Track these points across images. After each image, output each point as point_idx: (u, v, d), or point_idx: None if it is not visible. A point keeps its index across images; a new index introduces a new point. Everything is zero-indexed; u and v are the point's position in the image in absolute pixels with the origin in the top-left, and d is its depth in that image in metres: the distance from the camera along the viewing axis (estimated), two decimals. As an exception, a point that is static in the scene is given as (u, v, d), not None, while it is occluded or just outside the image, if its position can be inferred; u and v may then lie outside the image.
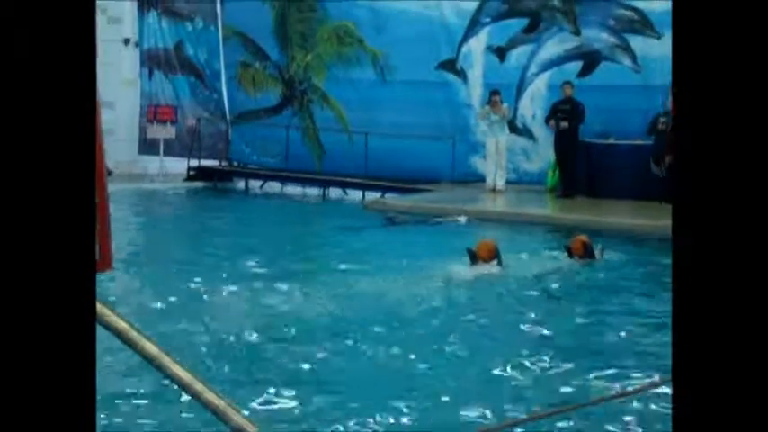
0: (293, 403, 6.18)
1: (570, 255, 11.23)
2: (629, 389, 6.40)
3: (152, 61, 21.14)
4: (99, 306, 2.48)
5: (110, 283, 8.84)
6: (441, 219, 15.04)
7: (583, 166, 16.83)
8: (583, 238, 11.40)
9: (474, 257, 10.53)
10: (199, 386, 2.52)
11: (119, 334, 2.53)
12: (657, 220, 12.67)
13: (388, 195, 17.97)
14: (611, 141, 16.80)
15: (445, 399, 6.30)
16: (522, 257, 11.54)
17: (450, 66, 18.56)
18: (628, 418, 5.84)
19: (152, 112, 20.73)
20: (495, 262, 10.55)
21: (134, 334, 2.54)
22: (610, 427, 5.71)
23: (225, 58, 20.76)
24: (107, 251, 2.78)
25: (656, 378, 6.43)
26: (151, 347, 2.54)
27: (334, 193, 19.29)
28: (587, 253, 11.16)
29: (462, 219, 14.89)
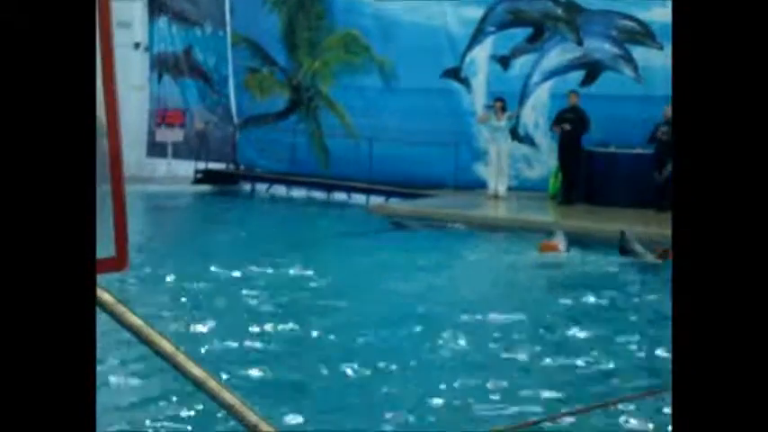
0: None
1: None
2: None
3: (161, 65, 21.43)
4: (115, 303, 2.51)
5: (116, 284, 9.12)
6: (441, 224, 15.32)
7: (584, 173, 17.07)
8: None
9: None
10: (214, 384, 2.50)
11: (134, 331, 2.53)
12: (652, 227, 12.95)
13: (391, 200, 18.24)
14: (612, 150, 17.04)
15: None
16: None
17: (454, 74, 18.83)
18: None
19: (160, 116, 21.03)
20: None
21: (150, 331, 2.54)
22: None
23: (233, 63, 21.05)
24: (123, 251, 2.72)
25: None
26: (167, 345, 2.52)
27: (339, 196, 19.55)
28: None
29: (459, 226, 15.18)
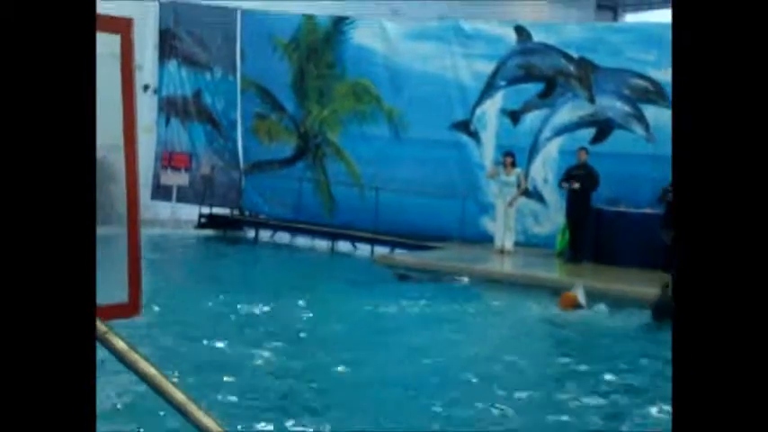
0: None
1: None
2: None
3: (169, 108, 21.36)
4: (129, 351, 2.49)
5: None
6: (446, 277, 15.11)
7: (592, 231, 16.89)
8: None
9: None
10: (163, 380, 2.52)
11: (147, 380, 2.54)
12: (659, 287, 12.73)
13: (396, 251, 18.05)
14: (621, 209, 16.88)
15: None
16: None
17: (463, 126, 18.74)
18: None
19: (167, 159, 20.92)
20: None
21: (162, 381, 2.54)
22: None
23: (242, 108, 20.96)
24: (136, 297, 2.72)
25: None
26: (179, 395, 2.53)
27: (344, 245, 19.38)
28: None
29: (465, 279, 14.99)
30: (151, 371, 2.50)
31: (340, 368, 8.95)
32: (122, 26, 2.58)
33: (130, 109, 2.77)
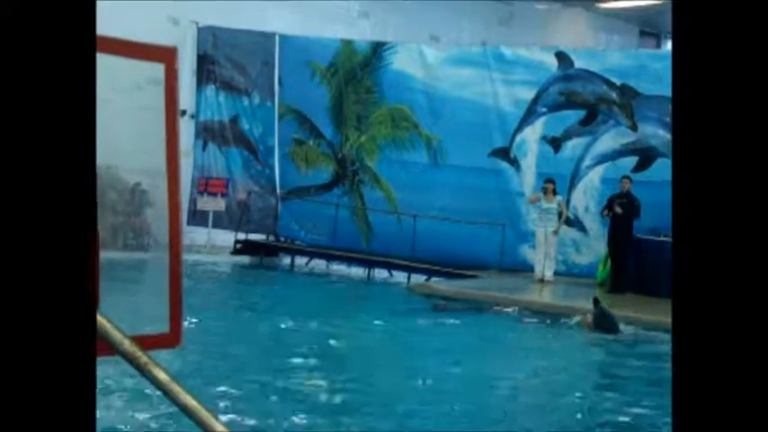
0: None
1: None
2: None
3: (206, 133, 21.29)
4: (170, 382, 2.45)
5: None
6: (485, 307, 14.83)
7: (634, 261, 16.56)
8: None
9: None
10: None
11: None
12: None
13: (433, 279, 17.82)
14: (663, 238, 16.55)
15: None
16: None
17: (503, 153, 18.54)
18: None
19: (203, 184, 20.83)
20: None
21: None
22: None
23: (279, 134, 20.85)
24: (177, 327, 2.68)
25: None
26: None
27: (380, 273, 19.16)
28: None
29: (504, 309, 14.73)
30: (192, 403, 2.46)
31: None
32: (166, 55, 2.57)
33: (173, 138, 2.79)
